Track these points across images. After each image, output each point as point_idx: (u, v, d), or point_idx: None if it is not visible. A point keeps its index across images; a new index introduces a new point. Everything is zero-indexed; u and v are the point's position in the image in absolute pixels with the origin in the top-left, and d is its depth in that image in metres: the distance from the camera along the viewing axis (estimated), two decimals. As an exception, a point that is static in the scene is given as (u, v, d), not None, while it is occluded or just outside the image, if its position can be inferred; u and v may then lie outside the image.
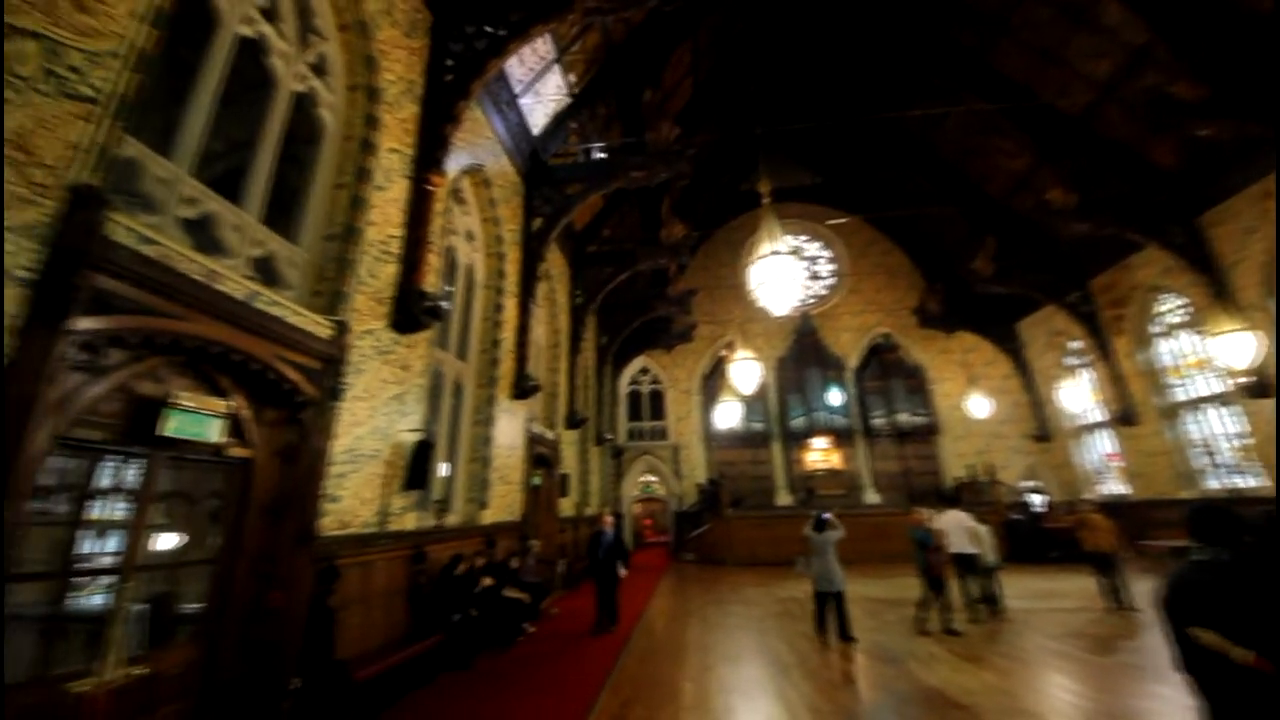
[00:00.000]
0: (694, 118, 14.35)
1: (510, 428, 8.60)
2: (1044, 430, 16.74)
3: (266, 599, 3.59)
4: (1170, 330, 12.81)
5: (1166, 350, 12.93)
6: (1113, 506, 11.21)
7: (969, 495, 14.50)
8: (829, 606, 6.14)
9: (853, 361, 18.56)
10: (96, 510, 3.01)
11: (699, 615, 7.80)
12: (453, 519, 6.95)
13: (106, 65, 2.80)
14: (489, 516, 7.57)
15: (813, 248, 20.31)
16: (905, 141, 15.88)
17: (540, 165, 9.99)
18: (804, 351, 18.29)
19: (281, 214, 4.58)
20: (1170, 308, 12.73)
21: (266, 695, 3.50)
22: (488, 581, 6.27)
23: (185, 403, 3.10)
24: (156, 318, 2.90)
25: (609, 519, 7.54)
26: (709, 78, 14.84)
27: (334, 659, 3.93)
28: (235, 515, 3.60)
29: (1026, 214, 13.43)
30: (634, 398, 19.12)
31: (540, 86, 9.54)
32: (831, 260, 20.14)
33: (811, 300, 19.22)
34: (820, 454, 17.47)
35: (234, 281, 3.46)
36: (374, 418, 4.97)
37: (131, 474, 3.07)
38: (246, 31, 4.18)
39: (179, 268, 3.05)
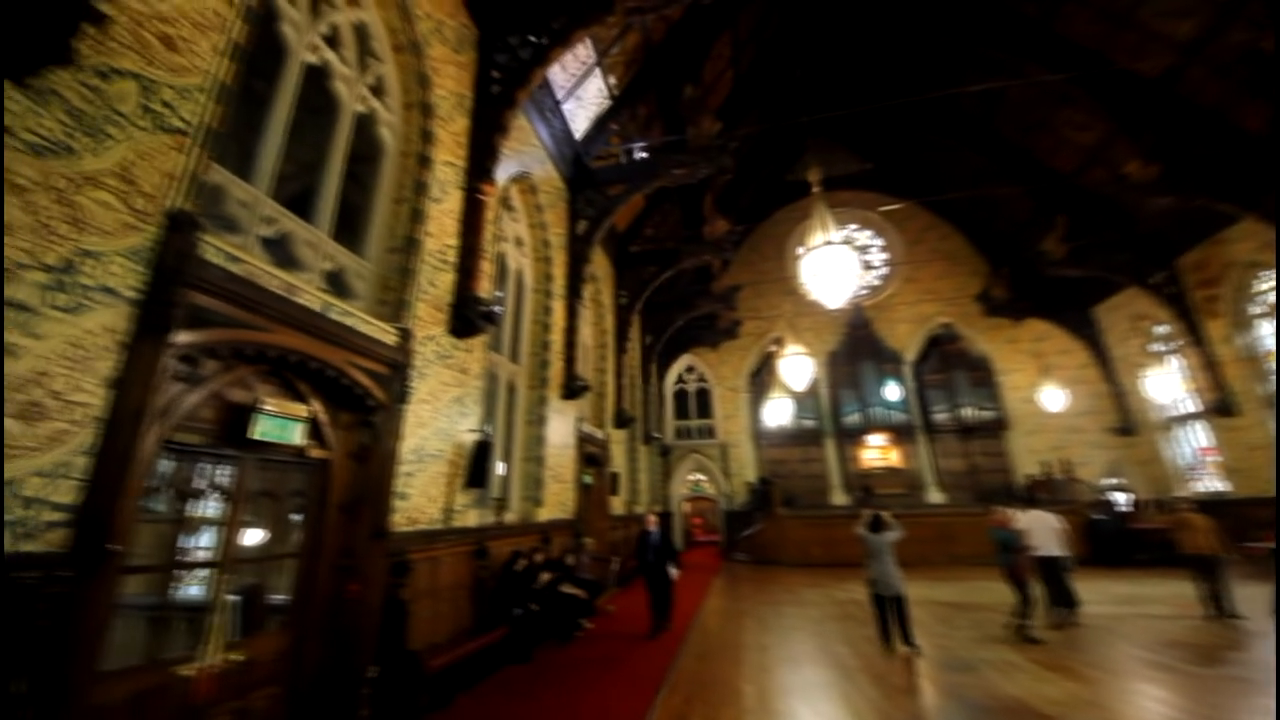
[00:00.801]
0: (735, 111, 14.14)
1: (561, 427, 8.76)
2: (1128, 423, 15.45)
3: (345, 591, 3.82)
4: (1272, 310, 11.52)
5: (1269, 333, 11.64)
6: (1210, 505, 10.19)
7: (1044, 493, 13.57)
8: (890, 611, 5.85)
9: (910, 354, 17.76)
10: (196, 508, 3.30)
11: (755, 616, 7.68)
12: (511, 516, 7.15)
13: (194, 99, 3.05)
14: (544, 514, 7.75)
15: (864, 236, 19.57)
16: (961, 120, 15.04)
17: (583, 169, 10.13)
18: (857, 345, 17.67)
19: (348, 229, 4.86)
20: (1271, 285, 11.45)
21: (348, 682, 3.73)
22: (546, 577, 6.42)
23: (271, 408, 3.35)
24: (244, 330, 3.15)
25: (653, 518, 7.36)
26: (750, 69, 14.58)
27: (407, 649, 4.13)
28: (316, 512, 3.86)
29: (1100, 190, 12.45)
30: (680, 396, 19.06)
31: (581, 91, 9.67)
32: (884, 249, 19.36)
33: (864, 291, 18.49)
34: (877, 451, 16.83)
35: (310, 294, 3.71)
36: (437, 419, 5.19)
37: (225, 474, 3.34)
38: (312, 59, 4.45)
39: (261, 283, 3.30)
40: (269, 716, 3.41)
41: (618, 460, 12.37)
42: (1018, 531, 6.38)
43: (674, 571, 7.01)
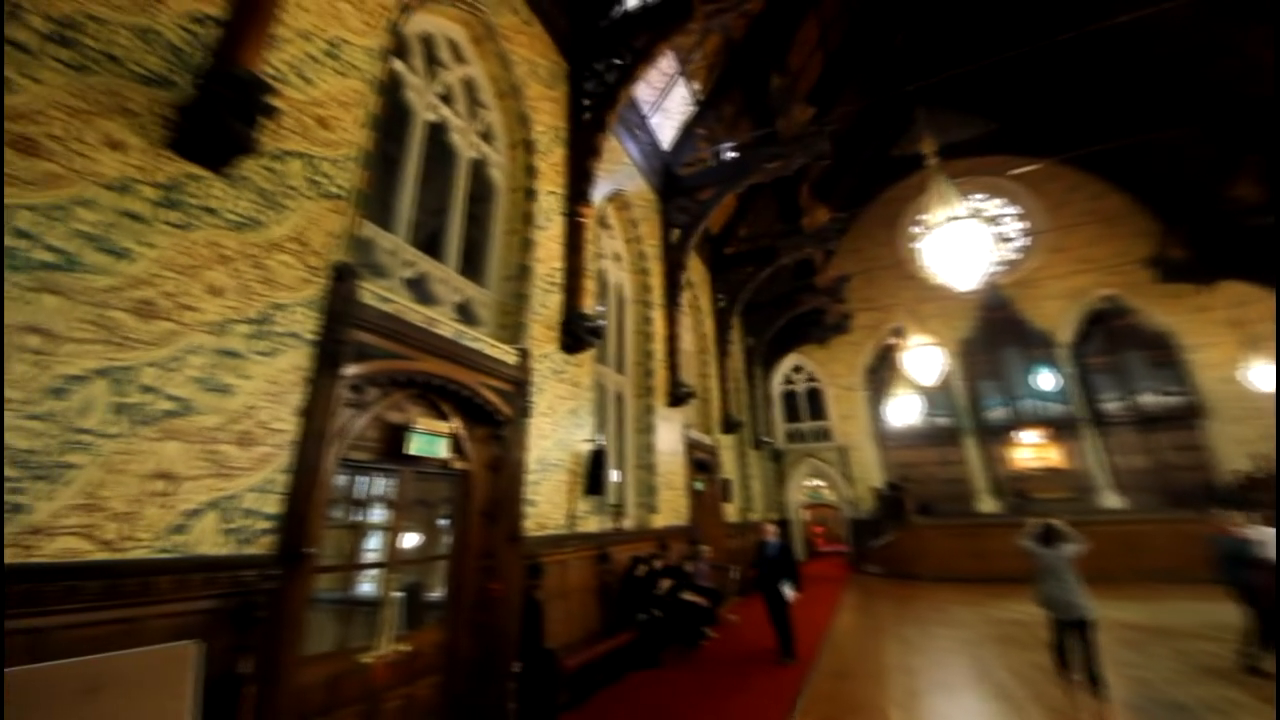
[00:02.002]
0: (829, 93, 13.43)
1: (669, 434, 8.85)
2: (1392, 401, 11.89)
3: (489, 590, 4.18)
4: None
5: None
6: None
7: (1262, 493, 10.89)
8: (1070, 638, 4.81)
9: (1065, 335, 15.31)
10: (366, 516, 3.83)
11: (895, 635, 7.06)
12: (628, 523, 7.35)
13: (346, 167, 3.60)
14: (659, 521, 7.85)
15: (994, 206, 17.34)
16: (1106, 58, 12.82)
17: (673, 178, 10.25)
18: (995, 330, 15.66)
19: (471, 264, 5.39)
20: None
21: (496, 675, 4.06)
22: (666, 584, 6.48)
23: (421, 426, 3.81)
24: (397, 360, 3.63)
25: (770, 527, 6.73)
26: (842, 45, 13.78)
27: (545, 647, 4.40)
28: (461, 518, 4.30)
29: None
30: (789, 398, 18.25)
31: (666, 102, 9.82)
32: (1020, 217, 17.00)
33: (999, 269, 16.29)
34: (1032, 451, 14.71)
35: (445, 325, 4.18)
36: (556, 431, 5.52)
37: (388, 486, 3.84)
38: (432, 117, 5.04)
39: (407, 319, 3.79)
40: (431, 703, 3.82)
41: (728, 466, 12.17)
42: (1253, 541, 5.13)
43: (789, 591, 6.01)
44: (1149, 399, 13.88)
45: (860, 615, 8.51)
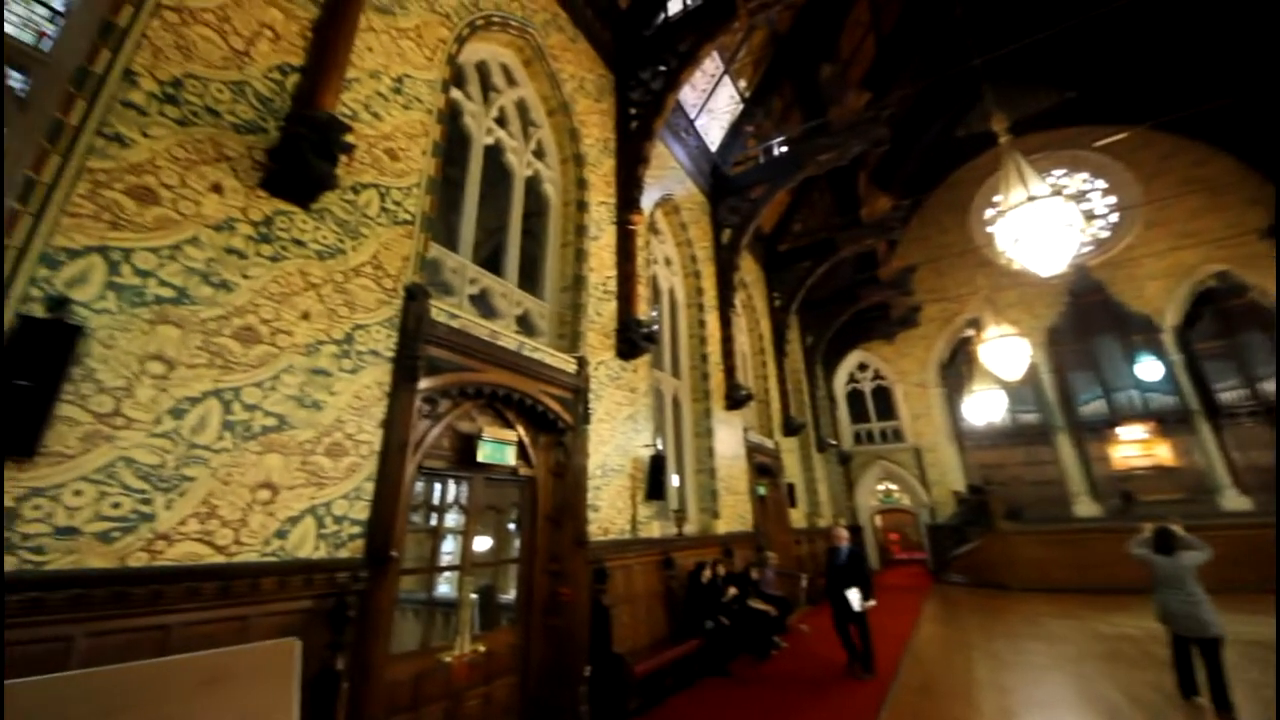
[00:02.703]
0: (884, 76, 12.83)
1: (729, 438, 8.71)
2: None
3: (558, 594, 4.28)
4: None
5: None
6: None
7: None
8: (1194, 656, 4.33)
9: (1170, 318, 13.72)
10: (443, 520, 4.02)
11: (985, 650, 6.55)
12: (690, 528, 7.28)
13: (414, 195, 3.83)
14: (722, 526, 7.73)
15: (1077, 181, 15.90)
16: (1193, 8, 11.45)
17: (722, 178, 10.15)
18: (1086, 316, 14.30)
19: (529, 277, 5.58)
20: None
21: (568, 677, 4.14)
22: (733, 591, 6.36)
23: (489, 435, 3.97)
24: (465, 372, 3.81)
25: (842, 532, 6.25)
26: (896, 26, 13.16)
27: (613, 652, 4.44)
28: (529, 523, 4.44)
29: None
30: (855, 397, 17.45)
31: (712, 103, 9.76)
32: (1108, 192, 15.49)
33: (1087, 249, 14.90)
34: (1136, 447, 13.29)
35: (507, 337, 4.35)
36: (615, 436, 5.58)
37: (461, 492, 4.03)
38: (489, 140, 5.27)
39: (473, 333, 3.98)
40: (508, 703, 3.94)
41: (791, 470, 11.81)
42: None
43: (857, 600, 5.55)
44: (1273, 386, 12.16)
45: (944, 627, 7.97)
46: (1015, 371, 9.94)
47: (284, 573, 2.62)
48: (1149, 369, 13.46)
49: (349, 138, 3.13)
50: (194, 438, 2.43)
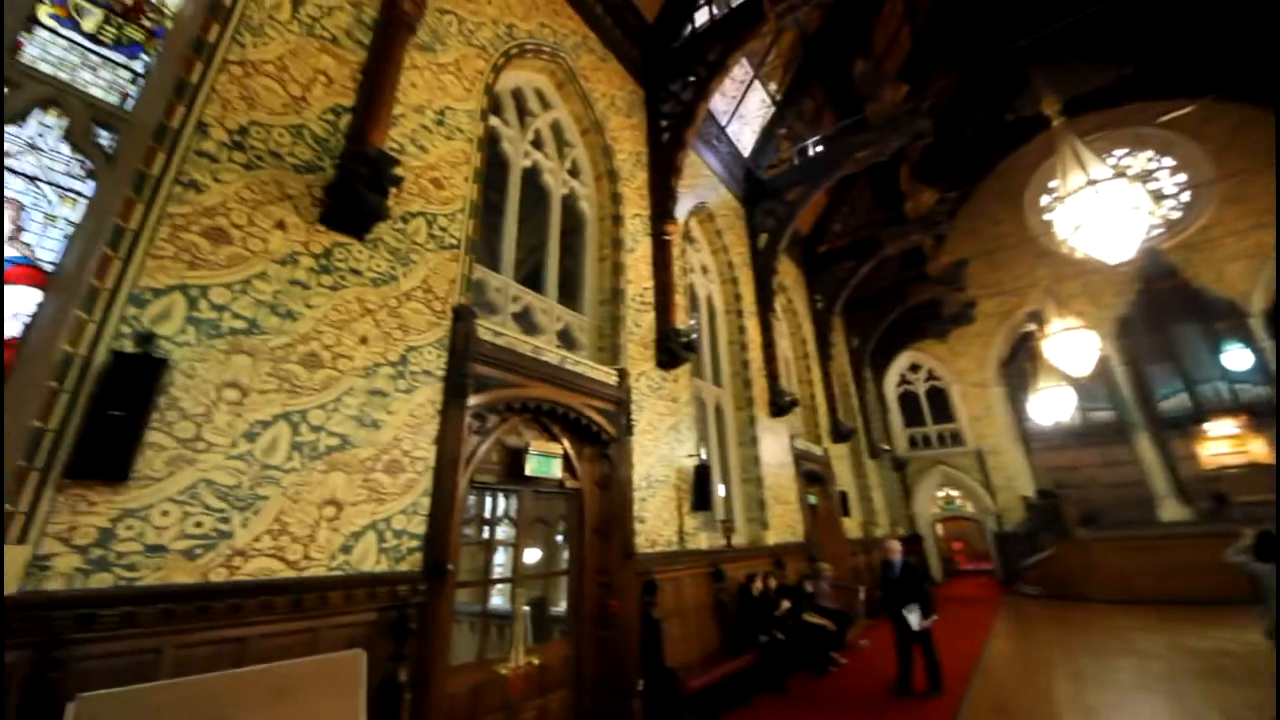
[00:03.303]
0: (921, 67, 12.43)
1: (775, 446, 8.52)
2: None
3: (608, 607, 4.27)
4: None
5: None
6: None
7: None
8: None
9: (1257, 301, 12.49)
10: (493, 533, 4.11)
11: (1066, 667, 6.07)
12: (738, 539, 7.13)
13: (458, 220, 3.98)
14: (772, 537, 7.53)
15: (1141, 161, 14.84)
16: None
17: (756, 183, 10.06)
18: (1161, 303, 13.21)
19: (568, 292, 5.68)
20: None
21: (621, 691, 4.11)
22: (786, 604, 6.18)
23: (536, 449, 4.05)
24: (511, 388, 3.91)
25: (894, 544, 5.87)
26: (931, 13, 12.75)
27: (665, 666, 4.38)
28: (577, 535, 4.47)
29: None
30: (908, 400, 16.71)
31: (743, 109, 9.71)
32: (1176, 169, 14.37)
33: (1157, 232, 13.85)
34: (1227, 443, 12.11)
35: (550, 352, 4.44)
36: (658, 447, 5.56)
37: (511, 505, 4.10)
38: (526, 163, 5.43)
39: (518, 350, 4.09)
40: (562, 716, 3.95)
41: (843, 478, 11.40)
42: None
43: (915, 618, 5.20)
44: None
45: (1018, 642, 7.45)
46: (1083, 366, 9.29)
47: (349, 586, 2.73)
48: (1236, 358, 12.29)
49: (397, 170, 3.30)
50: (266, 458, 2.59)
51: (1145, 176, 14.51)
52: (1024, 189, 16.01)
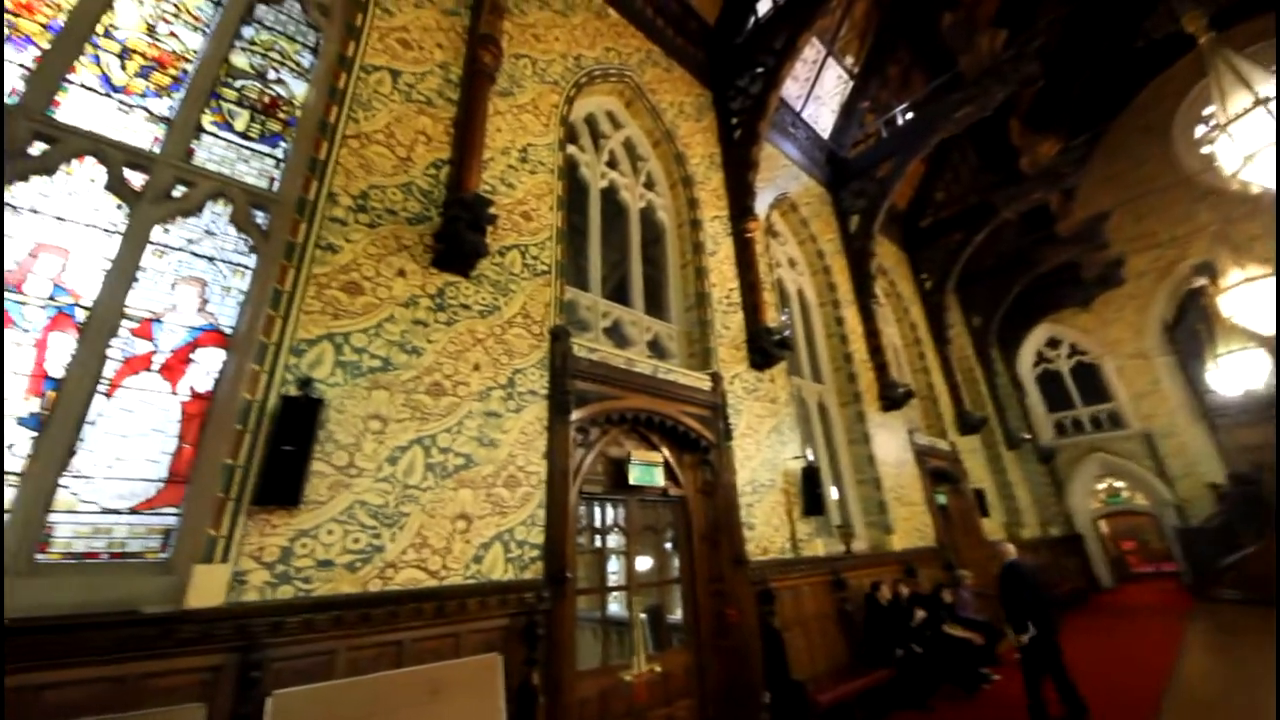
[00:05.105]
0: (1021, 4, 11.07)
1: (891, 442, 7.89)
2: None
3: (724, 614, 4.21)
4: None
5: None
6: None
7: None
8: None
9: None
10: (605, 542, 4.22)
11: (1296, 687, 4.91)
12: (859, 545, 6.69)
13: (547, 247, 4.22)
14: (898, 542, 6.96)
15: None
16: None
17: (840, 164, 9.53)
18: (1389, 232, 10.47)
19: (654, 302, 5.76)
20: None
21: (746, 703, 4.01)
22: (921, 615, 5.67)
23: (638, 458, 4.13)
24: (609, 401, 4.04)
25: (1009, 547, 5.18)
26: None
27: (792, 679, 4.20)
28: (685, 542, 4.47)
29: None
30: (1049, 380, 14.65)
31: (818, 89, 9.28)
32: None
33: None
34: None
35: (642, 363, 4.53)
36: (761, 450, 5.41)
37: (619, 514, 4.21)
38: (603, 184, 5.63)
39: (612, 363, 4.23)
40: (689, 725, 3.93)
41: (977, 474, 10.25)
42: None
43: (1011, 634, 4.56)
44: None
45: (1220, 658, 6.16)
46: (1276, 322, 7.57)
47: (484, 594, 2.96)
48: None
49: (492, 210, 3.58)
50: (406, 479, 2.91)
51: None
52: (1170, 122, 13.57)
